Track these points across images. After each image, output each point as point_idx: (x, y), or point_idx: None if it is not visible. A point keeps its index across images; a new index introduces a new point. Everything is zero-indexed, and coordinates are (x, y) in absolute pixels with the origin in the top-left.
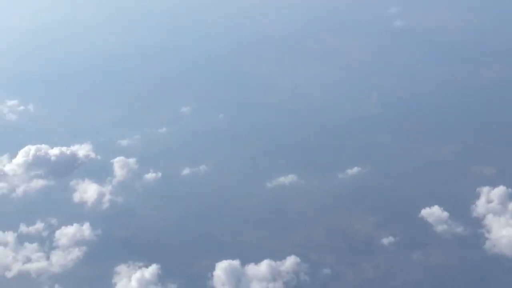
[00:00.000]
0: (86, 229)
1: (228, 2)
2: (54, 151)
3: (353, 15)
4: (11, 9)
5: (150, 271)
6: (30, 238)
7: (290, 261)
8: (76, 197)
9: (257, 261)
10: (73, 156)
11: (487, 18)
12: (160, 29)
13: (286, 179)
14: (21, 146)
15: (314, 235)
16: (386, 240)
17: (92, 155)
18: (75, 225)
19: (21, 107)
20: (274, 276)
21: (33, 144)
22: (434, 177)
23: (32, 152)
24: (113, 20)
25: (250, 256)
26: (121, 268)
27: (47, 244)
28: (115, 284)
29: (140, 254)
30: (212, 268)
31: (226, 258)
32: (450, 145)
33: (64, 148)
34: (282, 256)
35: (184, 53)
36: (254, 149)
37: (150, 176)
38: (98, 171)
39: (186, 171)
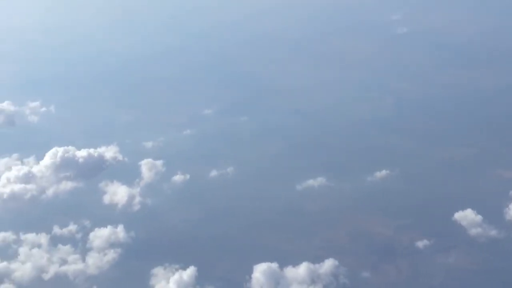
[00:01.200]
0: (120, 231)
1: (237, 3)
2: (82, 153)
3: (357, 20)
4: (28, 9)
5: (188, 273)
6: (63, 240)
7: (329, 264)
8: (106, 199)
9: (294, 263)
10: (101, 158)
11: (492, 20)
12: (171, 30)
13: (315, 182)
14: (46, 147)
15: (348, 238)
16: (421, 243)
17: (119, 157)
18: (109, 227)
19: (43, 109)
20: (313, 279)
21: (58, 145)
22: (460, 180)
23: (59, 154)
24: (127, 21)
25: (287, 259)
26: (158, 271)
27: (80, 246)
28: (152, 286)
29: (174, 257)
30: (249, 271)
31: (261, 260)
32: (466, 148)
33: (91, 150)
34: (319, 259)
35: (195, 55)
36: (280, 151)
37: (178, 178)
38: (126, 173)
39: (213, 173)
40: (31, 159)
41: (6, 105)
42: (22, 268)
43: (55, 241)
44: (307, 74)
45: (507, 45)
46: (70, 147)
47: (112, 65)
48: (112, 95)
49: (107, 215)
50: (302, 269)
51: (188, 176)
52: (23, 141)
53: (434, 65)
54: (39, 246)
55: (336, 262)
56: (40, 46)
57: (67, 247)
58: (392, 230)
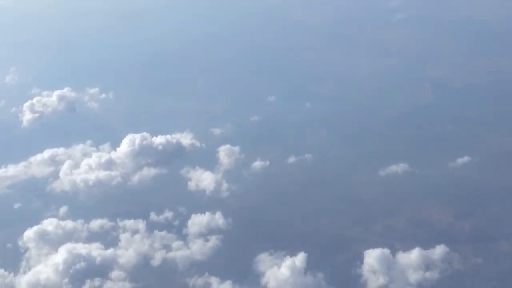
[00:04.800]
0: (219, 218)
1: None
2: (160, 140)
3: (358, 8)
4: None
5: (299, 259)
6: (159, 226)
7: (440, 250)
8: (191, 185)
9: (404, 249)
10: (179, 145)
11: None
12: (207, 18)
13: (398, 168)
14: (115, 134)
15: (445, 222)
16: None
17: (197, 143)
18: (207, 213)
19: (103, 95)
20: (427, 265)
21: (126, 132)
22: None
23: (137, 141)
24: (170, 7)
25: (402, 243)
26: (263, 257)
27: (177, 232)
28: (262, 272)
29: (276, 243)
30: (358, 257)
31: (364, 247)
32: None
33: (168, 137)
34: (430, 245)
35: (233, 43)
36: (352, 137)
37: (258, 164)
38: (204, 159)
39: (291, 159)
40: (106, 146)
41: (67, 92)
42: (127, 255)
43: (151, 227)
44: (343, 62)
45: None
46: (145, 134)
47: (161, 52)
48: (166, 82)
49: (198, 202)
50: (415, 255)
51: (267, 163)
52: (90, 128)
53: (460, 52)
54: (136, 232)
55: (448, 248)
56: (92, 33)
57: (164, 233)
58: (488, 217)
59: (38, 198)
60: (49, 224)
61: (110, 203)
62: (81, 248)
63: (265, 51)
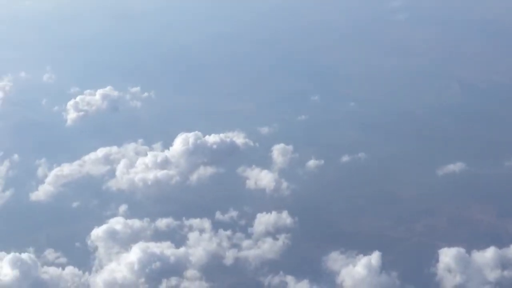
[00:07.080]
0: (286, 217)
1: None
2: (213, 139)
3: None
4: None
5: (375, 258)
6: (224, 225)
7: None
8: (250, 184)
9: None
10: (233, 144)
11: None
12: (223, 19)
13: (456, 167)
14: (166, 133)
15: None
16: None
17: (250, 142)
18: (273, 212)
19: (145, 94)
20: (504, 263)
21: (174, 131)
22: None
23: (191, 140)
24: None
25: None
26: (335, 256)
27: (244, 231)
28: (336, 271)
29: (344, 241)
30: (432, 255)
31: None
32: None
33: (222, 135)
34: (504, 243)
35: (253, 44)
36: (401, 136)
37: (312, 163)
38: (259, 158)
39: (345, 158)
40: (158, 145)
41: (109, 90)
42: (198, 254)
43: (216, 226)
44: (367, 62)
45: None
46: (198, 133)
47: (190, 51)
48: (200, 81)
49: (260, 201)
50: (490, 254)
51: (322, 162)
52: (137, 126)
53: (481, 52)
54: (203, 231)
55: None
56: (117, 32)
57: (229, 232)
58: None
59: (95, 196)
60: (116, 223)
61: (170, 202)
62: (154, 247)
63: (285, 50)
